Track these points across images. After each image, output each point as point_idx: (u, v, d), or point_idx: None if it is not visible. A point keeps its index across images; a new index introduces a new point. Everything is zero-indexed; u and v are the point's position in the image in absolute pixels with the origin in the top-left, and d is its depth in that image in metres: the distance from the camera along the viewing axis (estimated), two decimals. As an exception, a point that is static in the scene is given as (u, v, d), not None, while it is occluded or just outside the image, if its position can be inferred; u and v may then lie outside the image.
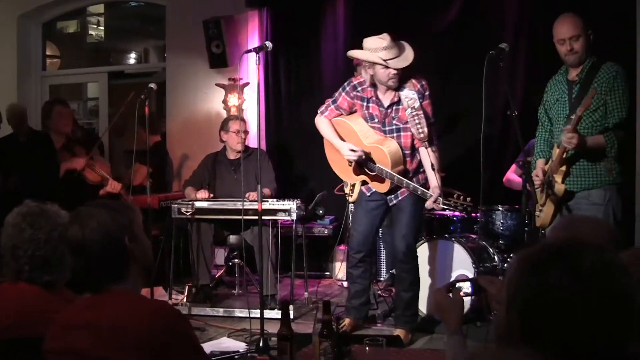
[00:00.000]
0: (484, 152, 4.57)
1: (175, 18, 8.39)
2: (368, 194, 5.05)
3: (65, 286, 2.61)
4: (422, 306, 5.30)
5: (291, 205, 5.62)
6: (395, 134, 4.83)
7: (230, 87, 7.82)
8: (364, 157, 4.82)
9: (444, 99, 7.08)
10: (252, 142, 6.97)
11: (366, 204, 5.07)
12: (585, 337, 1.45)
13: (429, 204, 4.64)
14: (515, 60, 6.48)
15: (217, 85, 7.92)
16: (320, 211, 6.56)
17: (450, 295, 2.55)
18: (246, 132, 6.32)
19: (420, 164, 4.88)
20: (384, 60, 4.60)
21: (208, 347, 4.55)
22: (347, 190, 5.88)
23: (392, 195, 4.94)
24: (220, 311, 5.71)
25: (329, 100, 5.11)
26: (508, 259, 5.41)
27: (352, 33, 7.20)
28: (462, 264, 5.23)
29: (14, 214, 2.57)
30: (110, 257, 2.23)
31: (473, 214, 5.70)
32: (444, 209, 4.60)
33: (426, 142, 4.73)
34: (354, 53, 4.93)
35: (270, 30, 7.84)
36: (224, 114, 7.73)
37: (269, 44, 4.80)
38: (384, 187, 4.89)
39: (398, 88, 4.77)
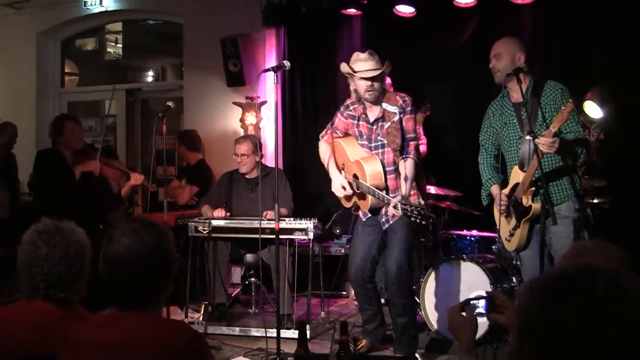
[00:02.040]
0: (502, 172, 4.55)
1: (193, 36, 8.44)
2: (364, 219, 5.05)
3: (80, 304, 2.60)
4: (438, 326, 5.27)
5: (308, 224, 5.60)
6: (380, 150, 4.87)
7: (248, 106, 7.83)
8: (351, 193, 4.91)
9: (460, 118, 7.05)
10: (270, 161, 6.95)
11: (362, 230, 5.07)
12: None
13: (389, 209, 4.62)
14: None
15: (234, 103, 7.93)
16: (337, 230, 6.53)
17: (464, 314, 2.50)
18: (256, 154, 6.18)
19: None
20: (354, 71, 4.73)
21: (223, 366, 4.53)
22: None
23: (384, 219, 4.91)
24: (236, 330, 5.68)
25: (329, 124, 5.21)
26: (526, 280, 5.34)
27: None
28: (480, 285, 5.17)
29: (30, 232, 2.57)
30: (155, 276, 2.22)
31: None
32: (406, 215, 4.47)
33: (397, 152, 4.74)
34: (341, 66, 4.94)
35: (287, 49, 7.85)
36: (241, 133, 7.74)
37: (286, 63, 4.80)
38: (365, 205, 4.89)
39: (381, 103, 4.82)
